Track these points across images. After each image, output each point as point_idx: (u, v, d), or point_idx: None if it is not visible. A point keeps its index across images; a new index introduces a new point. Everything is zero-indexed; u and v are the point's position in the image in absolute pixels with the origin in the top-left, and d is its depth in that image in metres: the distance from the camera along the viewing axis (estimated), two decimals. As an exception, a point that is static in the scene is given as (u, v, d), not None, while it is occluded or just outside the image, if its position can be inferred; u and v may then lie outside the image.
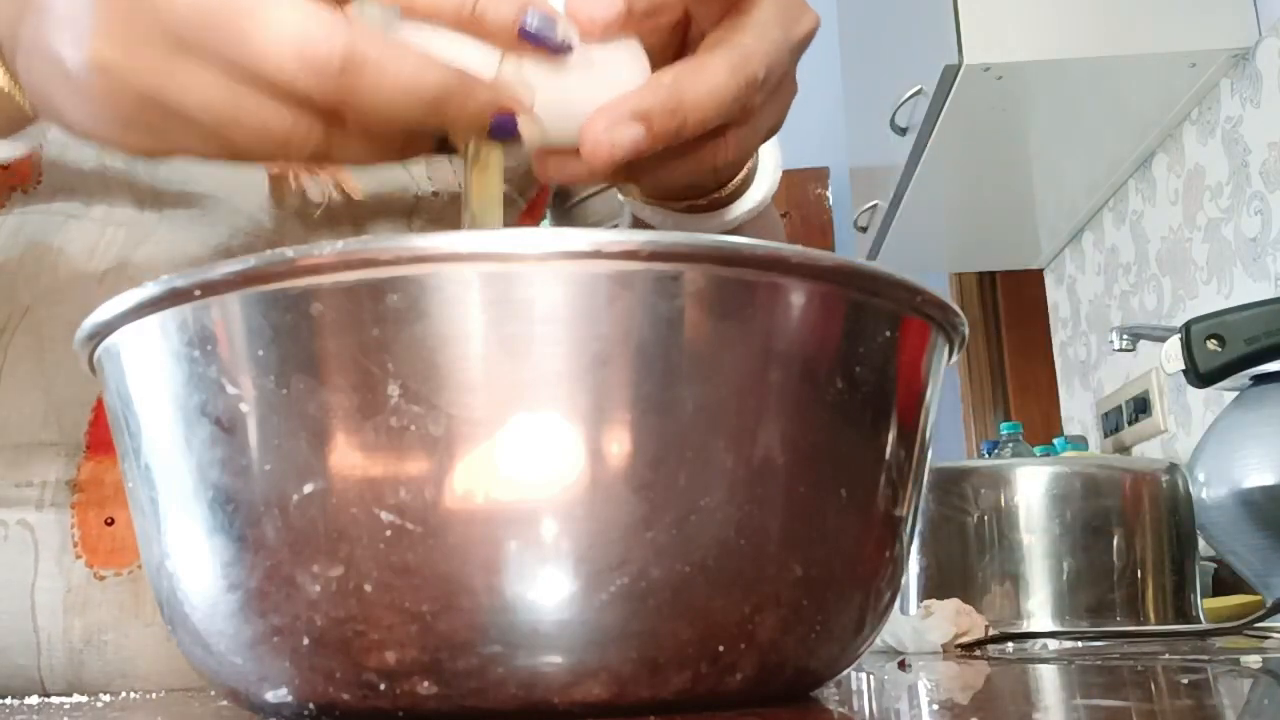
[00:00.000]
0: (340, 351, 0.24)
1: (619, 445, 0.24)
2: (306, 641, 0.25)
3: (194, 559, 0.27)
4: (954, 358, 0.32)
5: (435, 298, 0.24)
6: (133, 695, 0.46)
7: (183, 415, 0.26)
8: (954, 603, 0.60)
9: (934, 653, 0.57)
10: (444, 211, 0.60)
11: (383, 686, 0.25)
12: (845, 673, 0.46)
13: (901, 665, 0.49)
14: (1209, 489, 0.86)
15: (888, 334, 0.28)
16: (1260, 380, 0.88)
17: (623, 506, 0.24)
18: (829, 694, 0.33)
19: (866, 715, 0.30)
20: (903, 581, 0.32)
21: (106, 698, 0.45)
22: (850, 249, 2.72)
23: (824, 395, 0.26)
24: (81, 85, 0.33)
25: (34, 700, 0.48)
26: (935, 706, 0.32)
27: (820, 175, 3.20)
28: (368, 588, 0.24)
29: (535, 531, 0.24)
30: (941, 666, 0.48)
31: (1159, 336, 1.00)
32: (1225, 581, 1.27)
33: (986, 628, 0.60)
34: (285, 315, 0.24)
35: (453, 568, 0.24)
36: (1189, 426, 1.63)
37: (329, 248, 0.24)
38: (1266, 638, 0.64)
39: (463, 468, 0.24)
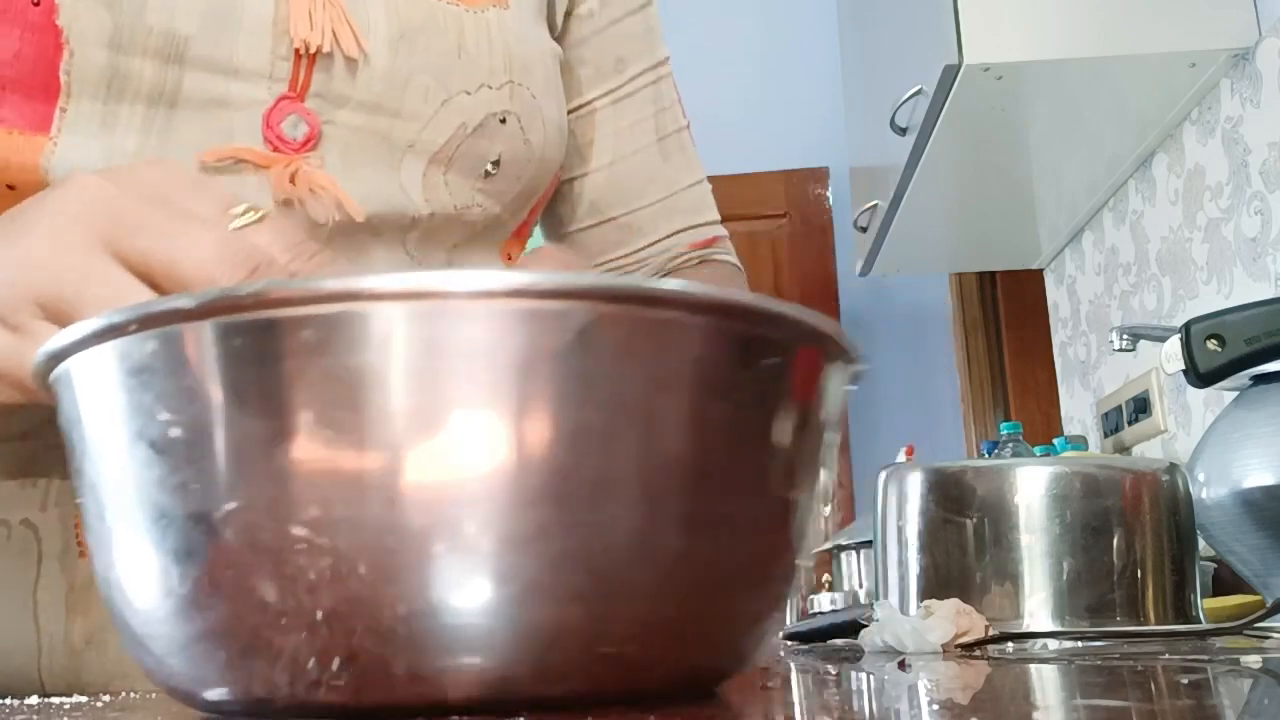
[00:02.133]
0: (259, 382, 0.27)
1: (521, 466, 0.27)
2: (232, 645, 0.28)
3: (133, 568, 0.30)
4: (854, 380, 0.35)
5: (343, 334, 0.26)
6: (133, 695, 0.46)
7: (123, 438, 0.29)
8: (954, 603, 0.60)
9: (934, 653, 0.57)
10: (437, 229, 0.59)
11: (300, 687, 0.27)
12: (844, 673, 0.46)
13: (901, 665, 0.49)
14: (1209, 489, 0.86)
15: (776, 360, 0.30)
16: (1260, 380, 0.88)
17: (525, 521, 0.26)
18: (837, 694, 0.33)
19: (866, 715, 0.30)
20: (795, 584, 0.34)
21: (106, 698, 0.45)
22: (850, 249, 2.73)
23: (712, 417, 0.29)
24: None
25: (34, 700, 0.48)
26: (935, 706, 0.32)
27: (820, 175, 3.20)
28: (284, 597, 0.27)
29: (440, 546, 0.26)
30: (941, 666, 0.48)
31: (1159, 336, 1.00)
32: (1225, 581, 1.27)
33: (986, 628, 0.60)
34: (211, 349, 0.27)
35: (359, 579, 0.26)
36: (1189, 426, 1.63)
37: (247, 288, 0.27)
38: (1266, 638, 0.64)
39: (369, 488, 0.26)
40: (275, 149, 0.54)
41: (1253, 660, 0.46)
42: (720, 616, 0.30)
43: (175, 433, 0.28)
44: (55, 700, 0.45)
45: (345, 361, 0.26)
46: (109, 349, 0.29)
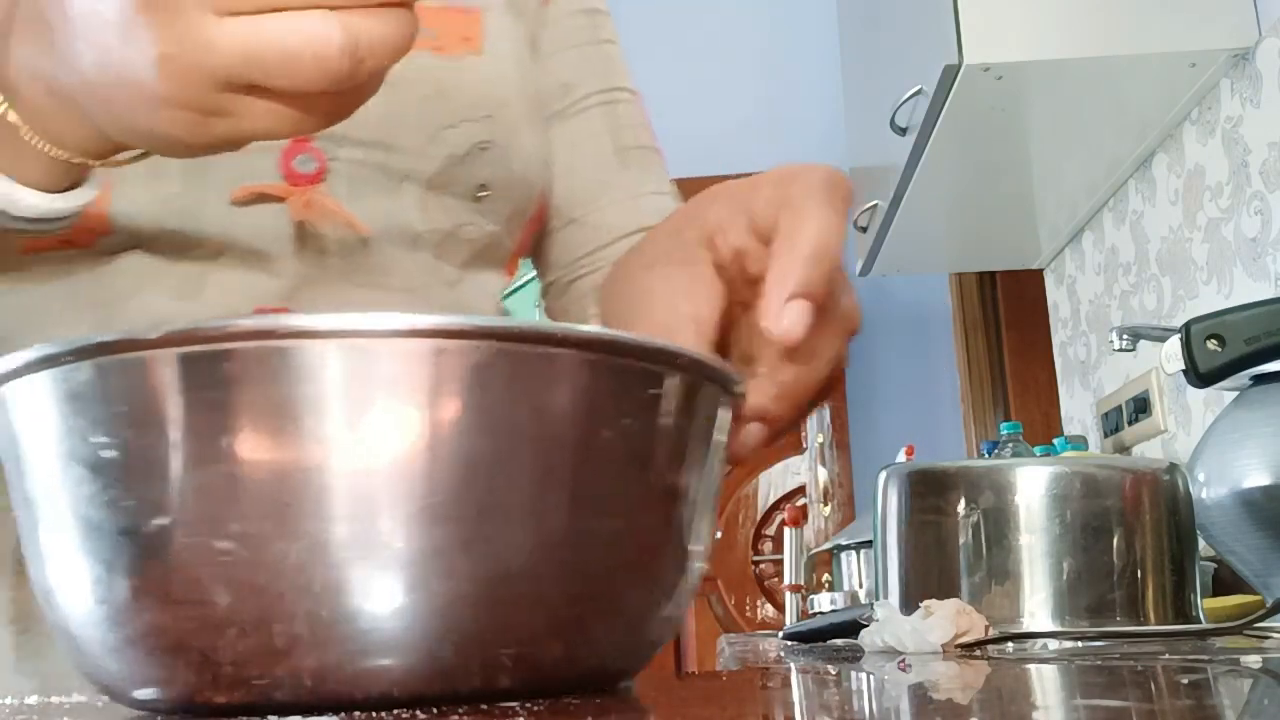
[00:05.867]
0: (184, 409, 0.29)
1: (424, 489, 0.29)
2: (159, 648, 0.30)
3: (67, 578, 0.32)
4: (734, 399, 0.38)
5: (259, 366, 0.29)
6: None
7: (57, 458, 0.31)
8: (954, 603, 0.60)
9: (934, 653, 0.57)
10: (444, 248, 0.67)
11: (223, 687, 0.30)
12: (844, 672, 0.46)
13: (901, 665, 0.49)
14: (1209, 489, 0.85)
15: (651, 391, 0.33)
16: (1260, 380, 0.88)
17: (429, 538, 0.29)
18: (836, 694, 0.33)
19: (867, 715, 0.30)
20: (681, 588, 0.37)
21: (105, 698, 0.45)
22: (850, 249, 2.72)
23: (596, 440, 0.32)
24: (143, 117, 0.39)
25: (33, 700, 0.48)
26: (935, 706, 0.32)
27: (820, 175, 3.19)
28: (208, 605, 0.29)
29: (350, 558, 0.29)
30: (941, 666, 0.48)
31: (1159, 336, 1.00)
32: (1225, 581, 1.27)
33: (986, 628, 0.60)
34: (139, 379, 0.30)
35: (277, 588, 0.29)
36: (1189, 426, 1.63)
37: (167, 328, 0.29)
38: (1266, 638, 0.64)
39: (286, 507, 0.29)
40: (292, 183, 0.62)
41: (1253, 660, 0.46)
42: (611, 621, 0.33)
43: (107, 454, 0.30)
44: (55, 700, 0.45)
45: (266, 392, 0.29)
46: (45, 377, 0.31)
